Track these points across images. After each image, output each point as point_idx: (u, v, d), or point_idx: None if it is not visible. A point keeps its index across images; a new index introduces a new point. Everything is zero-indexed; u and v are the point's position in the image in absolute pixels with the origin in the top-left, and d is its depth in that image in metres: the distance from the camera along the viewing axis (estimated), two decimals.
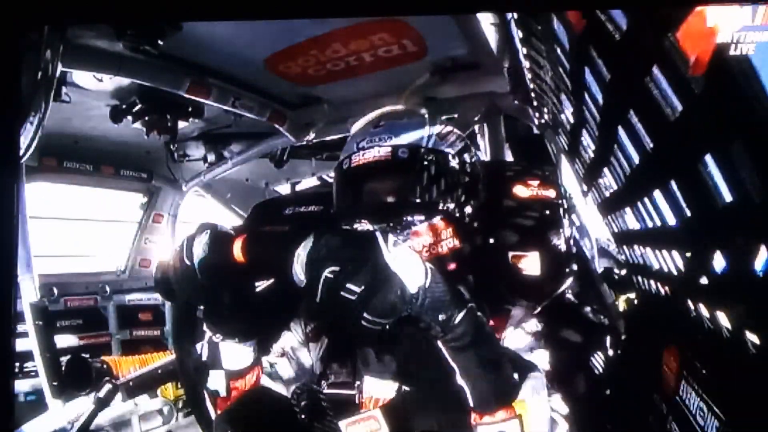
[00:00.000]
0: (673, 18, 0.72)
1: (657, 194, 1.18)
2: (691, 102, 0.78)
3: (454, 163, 1.32)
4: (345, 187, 1.37)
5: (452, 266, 1.28)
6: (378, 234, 1.07)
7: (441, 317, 1.05)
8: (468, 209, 1.33)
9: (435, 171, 1.30)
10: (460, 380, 1.08)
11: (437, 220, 1.27)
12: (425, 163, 1.29)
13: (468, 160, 1.36)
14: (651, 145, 1.04)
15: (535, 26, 1.45)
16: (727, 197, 0.81)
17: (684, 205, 1.03)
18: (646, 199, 1.29)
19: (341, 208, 1.37)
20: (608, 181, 1.65)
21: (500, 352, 1.19)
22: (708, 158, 0.82)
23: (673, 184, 1.03)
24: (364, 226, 1.23)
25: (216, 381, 1.33)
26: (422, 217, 1.26)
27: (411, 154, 1.28)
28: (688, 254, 1.13)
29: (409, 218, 1.25)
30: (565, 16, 1.12)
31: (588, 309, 1.50)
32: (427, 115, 1.40)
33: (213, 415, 1.39)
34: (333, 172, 1.42)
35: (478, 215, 1.35)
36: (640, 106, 0.98)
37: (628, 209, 1.55)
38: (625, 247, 1.88)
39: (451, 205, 1.30)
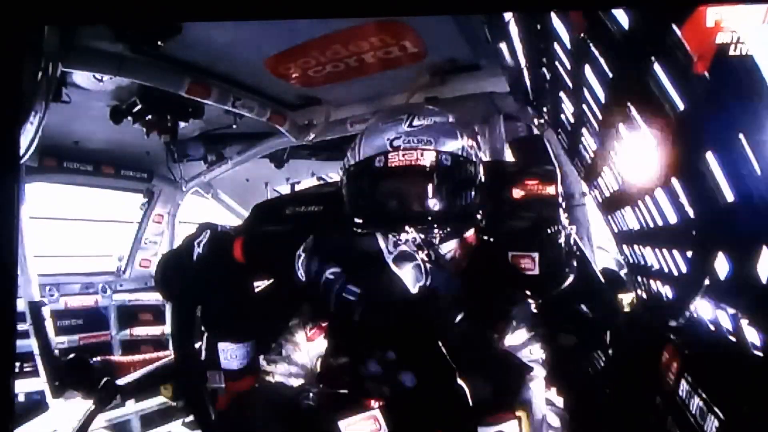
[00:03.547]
0: (678, 15, 0.72)
1: (658, 193, 1.18)
2: (693, 99, 0.78)
3: (481, 170, 1.32)
4: (376, 187, 1.29)
5: (463, 269, 1.29)
6: (378, 235, 1.07)
7: (441, 317, 1.05)
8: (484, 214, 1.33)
9: (470, 180, 1.28)
10: (460, 380, 1.08)
11: (472, 230, 1.27)
12: (465, 170, 1.27)
13: (480, 168, 1.36)
14: (655, 142, 1.04)
15: (535, 25, 1.45)
16: (729, 196, 0.81)
17: (685, 204, 1.03)
18: (647, 198, 1.29)
19: (370, 209, 1.29)
20: (608, 181, 1.65)
21: (500, 353, 1.19)
22: (709, 156, 0.82)
23: (675, 183, 1.03)
24: (408, 234, 1.19)
25: (215, 381, 1.33)
26: (463, 227, 1.26)
27: (453, 162, 1.25)
28: (689, 254, 1.13)
29: (453, 228, 1.24)
30: (566, 14, 1.12)
31: (588, 309, 1.50)
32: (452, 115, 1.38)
33: (212, 415, 1.39)
34: (356, 167, 1.32)
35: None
36: (642, 103, 0.98)
37: (628, 208, 1.55)
38: (625, 246, 1.88)
39: (480, 213, 1.30)
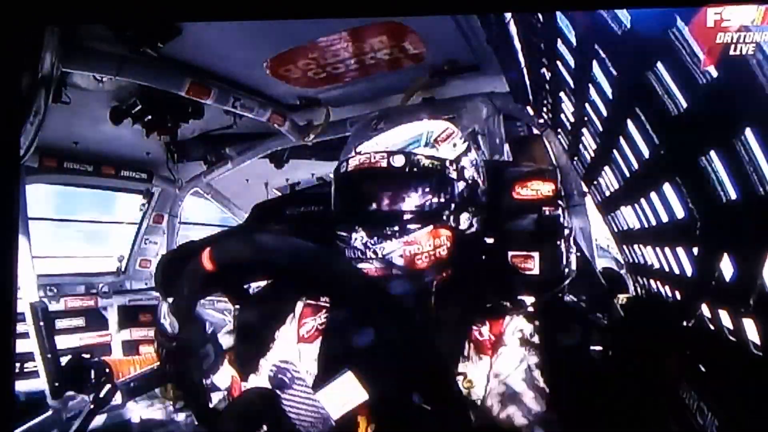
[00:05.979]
0: (683, 13, 0.72)
1: (659, 192, 1.17)
2: (700, 96, 0.78)
3: (451, 169, 1.29)
4: (339, 191, 1.36)
5: (446, 273, 1.28)
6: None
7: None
8: (466, 214, 1.31)
9: (430, 178, 1.28)
10: None
11: (430, 229, 1.25)
12: (420, 170, 1.27)
13: (468, 164, 1.33)
14: (657, 141, 1.04)
15: (535, 25, 1.45)
16: (732, 194, 0.81)
17: (687, 202, 1.03)
18: (650, 196, 1.29)
19: (336, 212, 1.36)
20: (609, 180, 1.65)
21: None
22: (713, 154, 0.81)
23: (677, 181, 1.03)
24: (359, 233, 1.24)
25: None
26: (415, 227, 1.24)
27: (406, 162, 1.27)
28: (693, 253, 1.13)
29: (402, 227, 1.24)
30: (569, 13, 1.12)
31: (587, 309, 1.50)
32: (426, 118, 1.39)
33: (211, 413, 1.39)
34: (333, 172, 1.40)
35: (479, 217, 1.34)
36: (648, 100, 0.97)
37: (629, 207, 1.55)
38: (625, 246, 1.88)
39: (446, 212, 1.28)
